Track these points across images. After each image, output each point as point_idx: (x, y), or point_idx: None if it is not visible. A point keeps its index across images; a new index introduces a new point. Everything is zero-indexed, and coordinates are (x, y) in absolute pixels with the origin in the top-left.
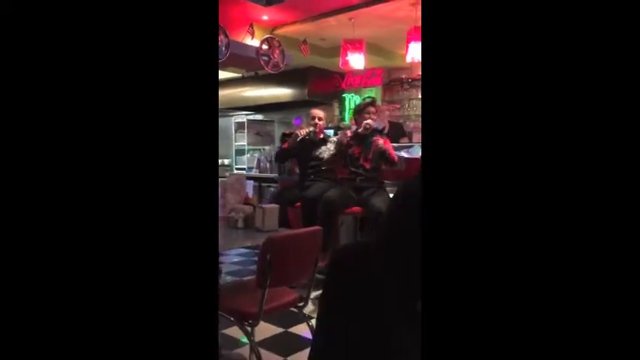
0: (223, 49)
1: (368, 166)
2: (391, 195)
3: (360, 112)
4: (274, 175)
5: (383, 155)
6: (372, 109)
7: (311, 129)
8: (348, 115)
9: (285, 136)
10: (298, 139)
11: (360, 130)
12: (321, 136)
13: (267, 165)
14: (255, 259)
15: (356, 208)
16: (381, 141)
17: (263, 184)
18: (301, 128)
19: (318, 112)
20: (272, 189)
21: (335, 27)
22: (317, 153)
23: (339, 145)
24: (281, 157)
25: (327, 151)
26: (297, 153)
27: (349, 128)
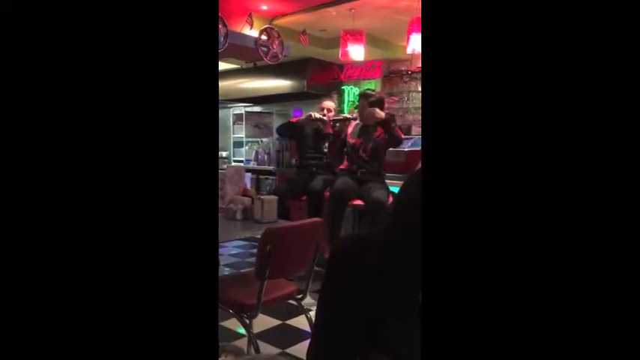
0: (222, 39)
1: (367, 157)
2: (391, 188)
3: (364, 101)
4: (272, 167)
5: (387, 127)
6: (365, 101)
7: (322, 117)
8: (347, 107)
9: (290, 124)
10: (312, 117)
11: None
12: (330, 130)
13: (265, 157)
14: (253, 251)
15: (357, 201)
16: (378, 110)
17: (261, 177)
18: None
19: (328, 104)
20: (269, 181)
21: (335, 18)
22: (320, 143)
23: (339, 136)
24: (285, 129)
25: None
26: (301, 137)
27: (354, 119)
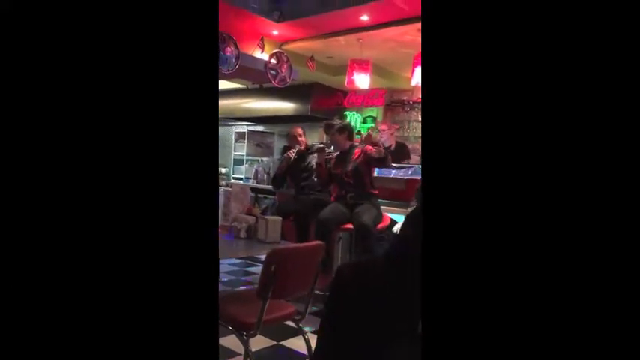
0: (233, 60)
1: (352, 181)
2: (392, 215)
3: (327, 133)
4: (271, 186)
5: (372, 160)
6: (332, 130)
7: (297, 148)
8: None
9: (286, 149)
10: (291, 161)
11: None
12: (304, 149)
13: (265, 176)
14: (248, 269)
15: (348, 225)
16: (367, 149)
17: (260, 196)
18: (289, 151)
19: (297, 130)
20: (268, 200)
21: (343, 46)
22: (305, 164)
23: (322, 167)
24: (277, 183)
25: (314, 159)
26: (289, 171)
27: (327, 148)
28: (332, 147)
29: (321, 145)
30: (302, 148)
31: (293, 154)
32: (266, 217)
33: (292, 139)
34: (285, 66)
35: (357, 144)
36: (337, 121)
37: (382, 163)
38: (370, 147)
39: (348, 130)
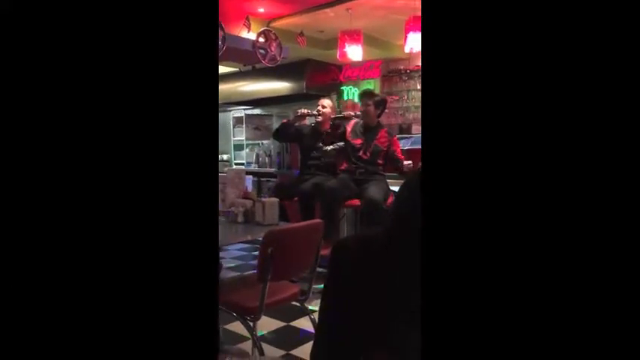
0: (219, 42)
1: (366, 157)
2: (391, 187)
3: (365, 99)
4: (273, 169)
5: (393, 159)
6: (368, 100)
7: (314, 112)
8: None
9: (284, 126)
10: (299, 114)
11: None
12: (327, 126)
13: (266, 159)
14: (255, 253)
15: (356, 201)
16: (395, 148)
17: (262, 179)
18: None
19: (323, 100)
20: (271, 183)
21: (332, 19)
22: (320, 145)
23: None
24: (280, 131)
25: (334, 148)
26: (300, 139)
27: (353, 119)
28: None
29: (350, 114)
30: (322, 121)
31: (305, 112)
32: (263, 199)
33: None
34: (274, 44)
35: (379, 121)
36: (376, 92)
37: (396, 168)
38: (397, 142)
39: (382, 106)
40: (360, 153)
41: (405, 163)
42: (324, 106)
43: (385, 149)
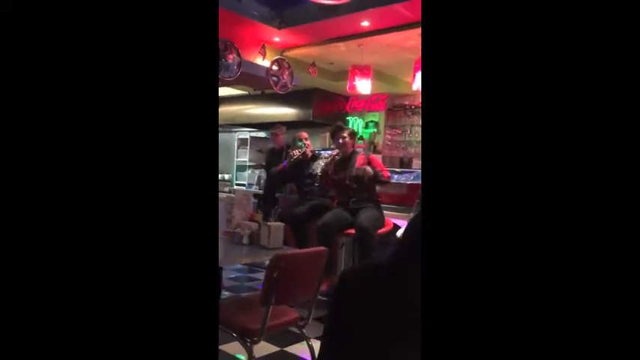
0: (235, 67)
1: (355, 185)
2: (393, 219)
3: (334, 135)
4: (277, 194)
5: (375, 178)
6: (343, 133)
7: (303, 149)
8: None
9: (270, 152)
10: (293, 160)
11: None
12: (310, 154)
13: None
14: (252, 275)
15: (351, 230)
16: (368, 168)
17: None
18: (294, 149)
19: (304, 134)
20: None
21: (344, 52)
22: (310, 170)
23: (324, 173)
24: (278, 179)
25: (319, 167)
26: (293, 175)
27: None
28: (336, 150)
29: (327, 154)
30: (307, 151)
31: (298, 153)
32: (268, 223)
33: (298, 142)
34: (286, 72)
35: (358, 149)
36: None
37: (377, 181)
38: (375, 158)
39: (355, 136)
40: (347, 182)
41: (385, 172)
42: (306, 138)
43: (372, 175)
